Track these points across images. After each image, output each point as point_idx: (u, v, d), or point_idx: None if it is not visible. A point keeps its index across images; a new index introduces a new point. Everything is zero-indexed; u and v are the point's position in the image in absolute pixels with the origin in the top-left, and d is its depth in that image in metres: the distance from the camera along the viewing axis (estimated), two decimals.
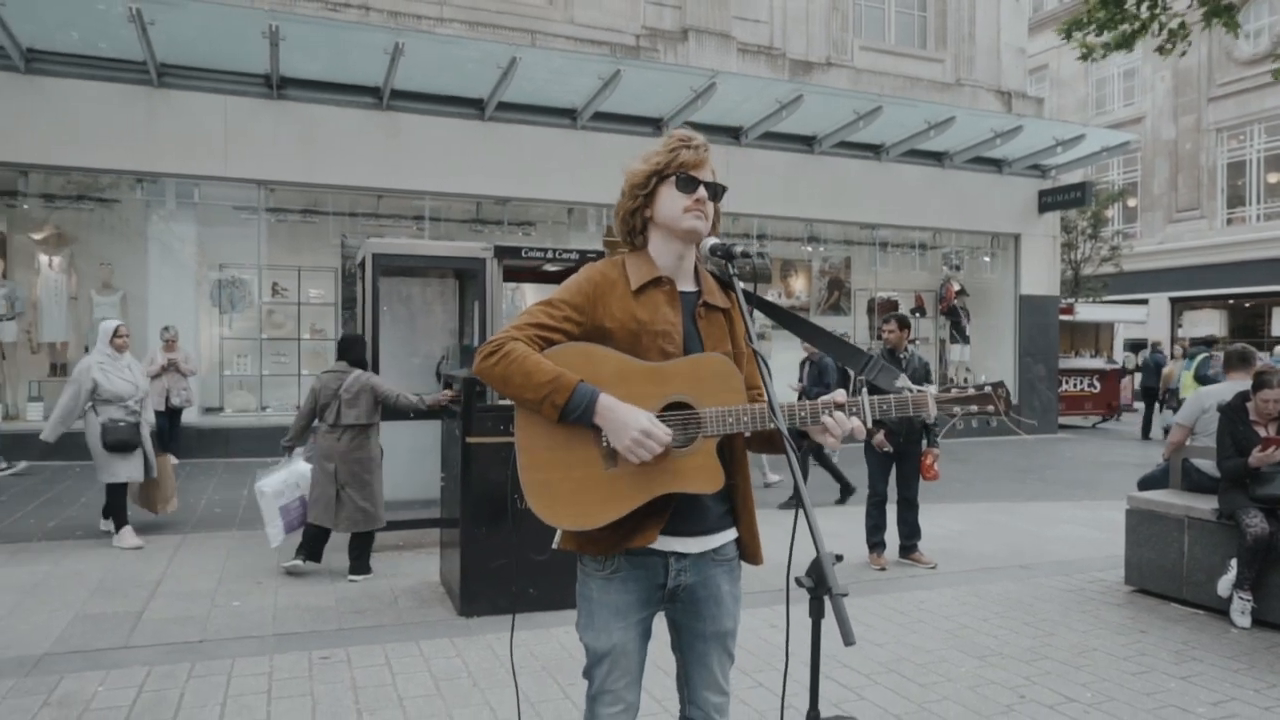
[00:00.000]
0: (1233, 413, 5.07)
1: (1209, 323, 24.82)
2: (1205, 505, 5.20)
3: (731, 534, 2.04)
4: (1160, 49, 6.42)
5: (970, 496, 9.36)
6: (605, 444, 1.84)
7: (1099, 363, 18.48)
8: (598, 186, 12.31)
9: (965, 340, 15.92)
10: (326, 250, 12.33)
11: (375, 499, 5.72)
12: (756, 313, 2.07)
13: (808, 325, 2.11)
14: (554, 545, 1.98)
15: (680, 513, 1.92)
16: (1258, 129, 24.00)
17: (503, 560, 4.86)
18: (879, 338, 6.49)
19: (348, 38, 10.02)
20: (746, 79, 12.13)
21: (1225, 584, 4.91)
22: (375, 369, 6.42)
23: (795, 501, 1.63)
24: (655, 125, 12.65)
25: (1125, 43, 6.42)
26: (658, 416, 1.84)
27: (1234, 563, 4.87)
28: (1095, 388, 17.26)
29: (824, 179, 13.71)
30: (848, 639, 1.42)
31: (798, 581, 1.54)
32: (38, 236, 11.21)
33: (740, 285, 1.95)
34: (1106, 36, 6.37)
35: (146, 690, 3.77)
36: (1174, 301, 25.94)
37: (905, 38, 15.53)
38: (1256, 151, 24.17)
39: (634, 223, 2.03)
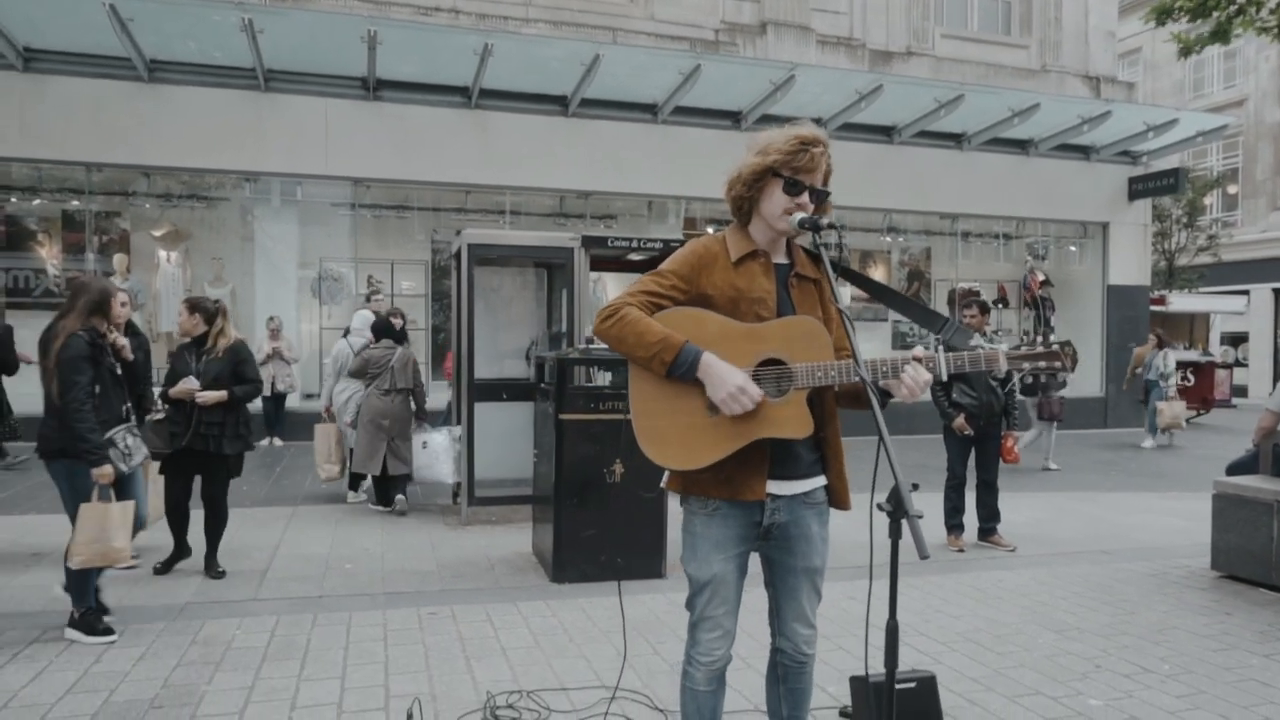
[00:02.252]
0: None
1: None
2: None
3: (821, 481, 2.27)
4: (1271, 31, 6.18)
5: (1051, 486, 9.30)
6: (708, 395, 2.10)
7: (1194, 355, 17.86)
8: (677, 179, 12.58)
9: (1051, 328, 15.60)
10: (417, 244, 12.91)
11: (410, 448, 7.22)
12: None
13: (888, 291, 2.32)
14: (662, 484, 2.25)
15: (776, 459, 2.17)
16: None
17: (592, 531, 5.17)
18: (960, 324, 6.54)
19: (439, 40, 10.50)
20: (825, 70, 12.20)
21: None
22: (471, 355, 6.82)
23: (878, 440, 1.84)
24: (734, 119, 12.82)
25: (1220, 35, 6.22)
26: (754, 370, 2.09)
27: None
28: (1189, 381, 16.70)
29: (904, 169, 13.66)
30: (922, 553, 1.65)
31: (879, 507, 1.77)
32: (157, 234, 12.05)
33: (826, 254, 2.17)
34: (1202, 26, 6.19)
35: (277, 635, 4.19)
36: (1277, 293, 24.76)
37: (988, 24, 15.31)
38: None
39: (742, 205, 2.27)
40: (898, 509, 1.71)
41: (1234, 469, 6.07)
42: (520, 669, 3.78)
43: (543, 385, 5.83)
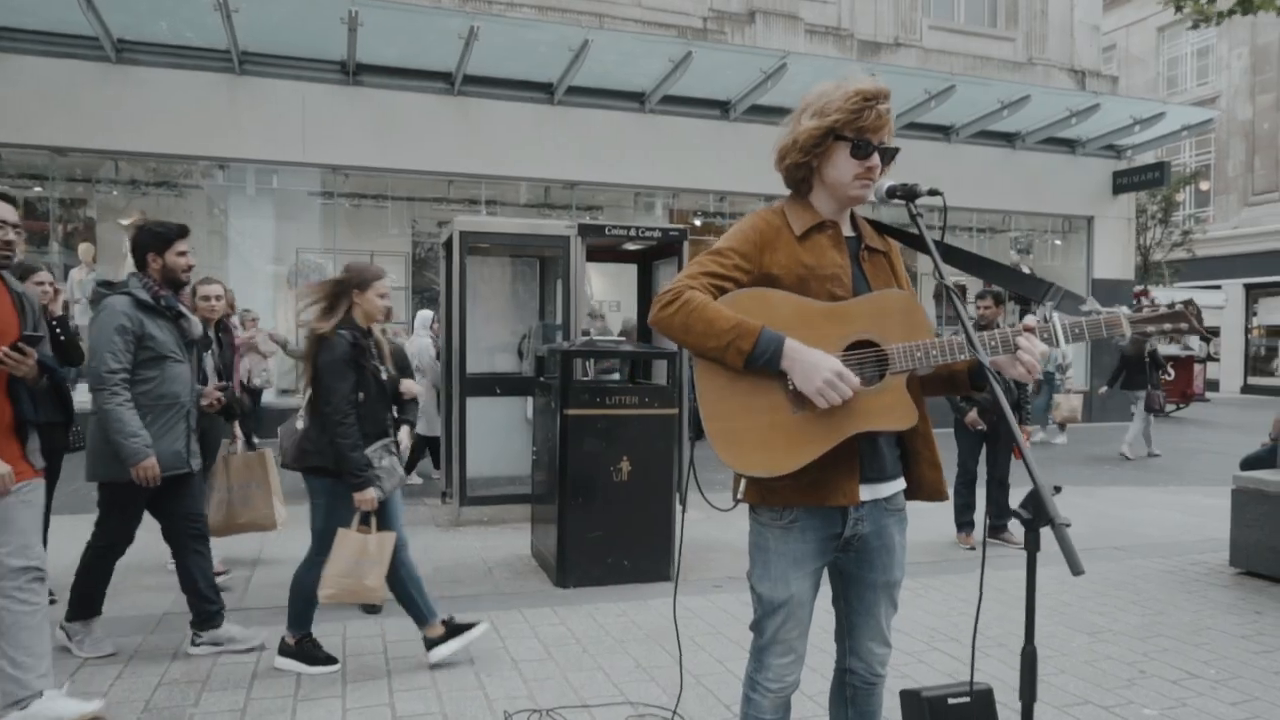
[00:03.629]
0: None
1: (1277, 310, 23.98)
2: None
3: (902, 483, 2.04)
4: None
5: (1050, 481, 9.18)
6: (792, 387, 1.84)
7: (1174, 349, 17.96)
8: (665, 170, 12.33)
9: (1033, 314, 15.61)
10: (397, 235, 12.55)
11: None
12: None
13: (984, 261, 2.08)
14: (738, 497, 1.99)
15: (863, 457, 1.93)
16: None
17: (598, 532, 4.91)
18: (975, 315, 6.38)
19: (423, 22, 10.15)
20: (817, 59, 12.00)
21: None
22: (463, 348, 6.53)
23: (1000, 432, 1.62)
24: (723, 108, 12.60)
25: (1245, 3, 5.99)
26: (842, 355, 1.85)
27: None
28: (1170, 375, 16.77)
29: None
30: (1075, 568, 1.42)
31: (1014, 513, 1.54)
32: (125, 222, 11.57)
33: (923, 224, 1.94)
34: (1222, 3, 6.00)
35: (268, 648, 3.88)
36: (1249, 288, 25.07)
37: (975, 16, 15.21)
38: None
39: (799, 174, 2.01)
40: (1038, 515, 1.47)
41: (1249, 464, 5.96)
42: (535, 684, 3.52)
43: (543, 379, 5.56)
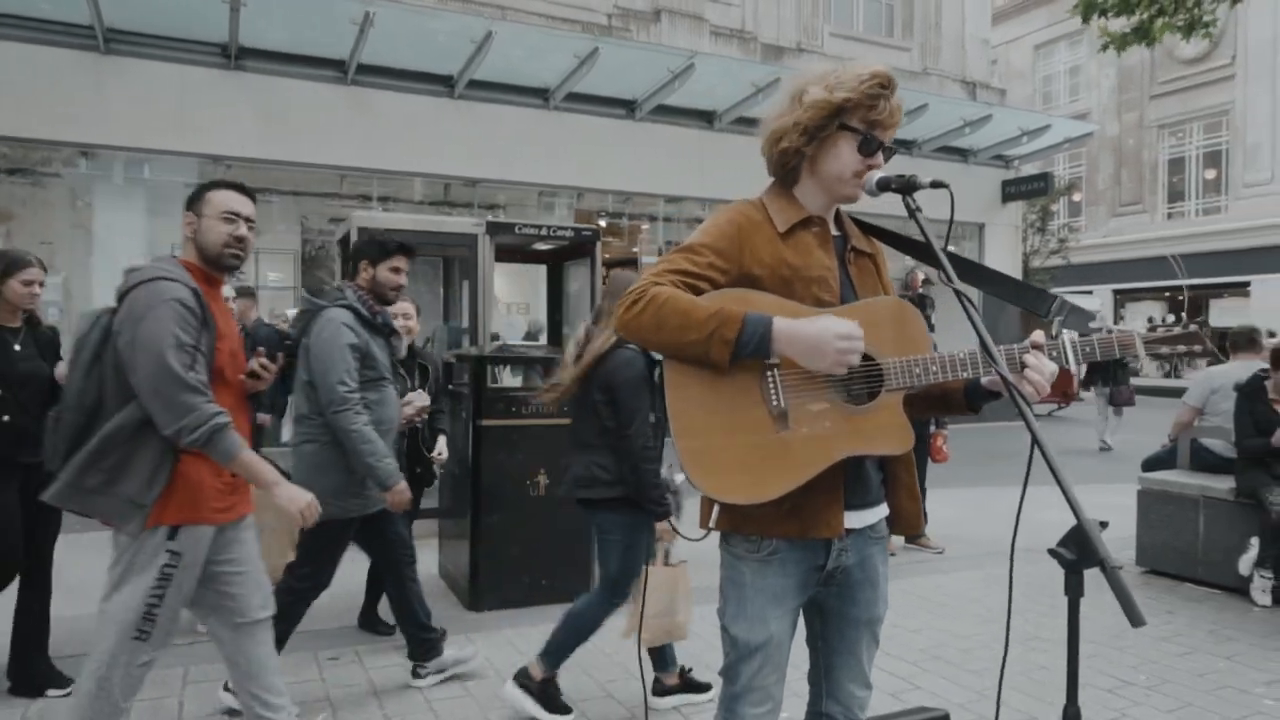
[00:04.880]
0: (1251, 392, 5.05)
1: (1142, 317, 25.59)
2: (1220, 485, 5.18)
3: (885, 509, 1.83)
4: (1181, 29, 6.34)
5: (956, 482, 9.35)
6: (775, 403, 1.61)
7: None
8: (570, 169, 12.03)
9: (931, 329, 16.05)
10: (285, 231, 11.79)
11: None
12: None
13: (979, 269, 1.90)
14: (710, 524, 1.73)
15: (845, 484, 1.71)
16: (1197, 126, 24.76)
17: (515, 550, 4.59)
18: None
19: (313, 5, 9.52)
20: (725, 60, 11.95)
21: (1246, 563, 4.88)
22: None
23: (1030, 456, 1.43)
24: (628, 107, 12.39)
25: (1143, 33, 6.29)
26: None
27: (1255, 541, 4.85)
28: (1138, 371, 17.59)
29: None
30: (1136, 619, 1.23)
31: (1053, 553, 1.33)
32: None
33: (922, 220, 1.74)
34: (1125, 23, 6.24)
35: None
36: (1117, 294, 26.67)
37: (873, 26, 15.54)
38: (1195, 148, 24.93)
39: (790, 160, 1.78)
40: (1084, 555, 1.27)
41: (1150, 465, 6.12)
42: None
43: (452, 387, 5.19)
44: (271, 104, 10.40)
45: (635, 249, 14.11)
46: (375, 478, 3.19)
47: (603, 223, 13.19)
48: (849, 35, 15.08)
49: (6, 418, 3.27)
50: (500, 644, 4.08)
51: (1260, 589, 4.81)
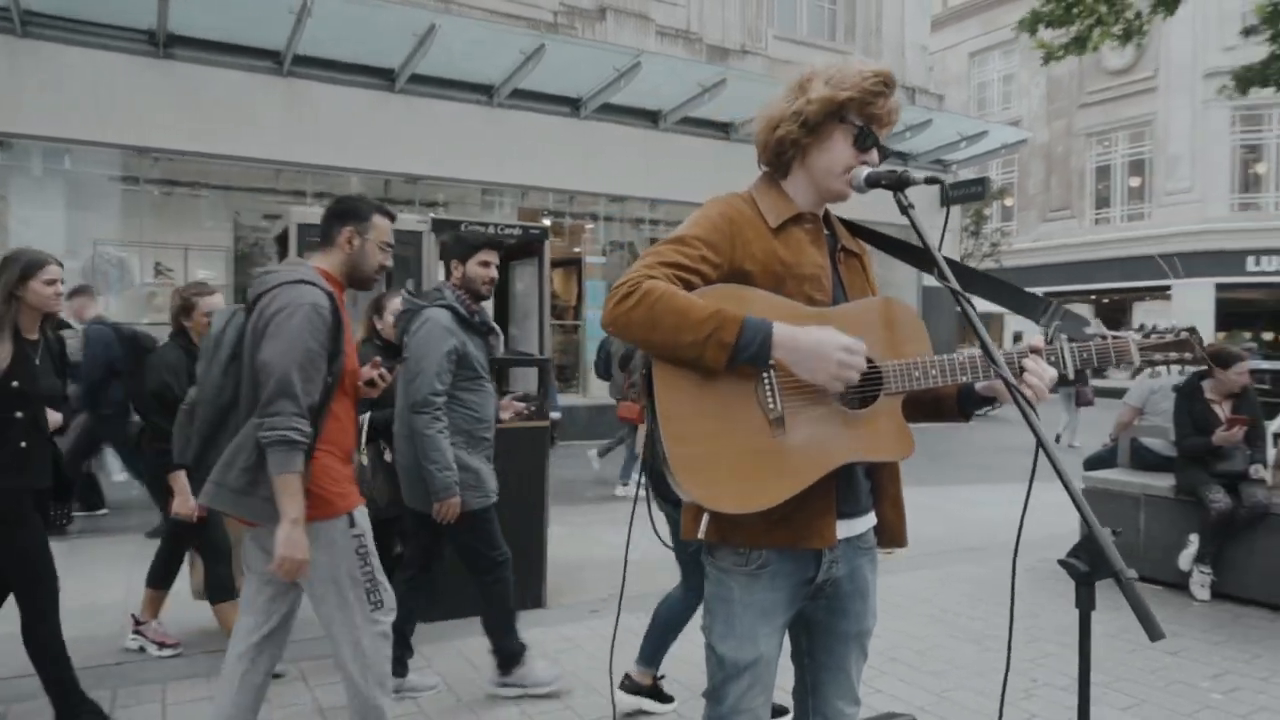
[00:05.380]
0: (1190, 392, 5.18)
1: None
2: (1161, 483, 5.30)
3: (874, 518, 1.77)
4: (1119, 38, 6.56)
5: (902, 481, 9.47)
6: (771, 405, 1.53)
7: None
8: (513, 167, 11.86)
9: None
10: (214, 228, 11.36)
11: None
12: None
13: (971, 273, 1.84)
14: (699, 534, 1.64)
15: (836, 491, 1.64)
16: (1122, 135, 25.66)
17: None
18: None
19: None
20: (671, 60, 11.90)
21: (1186, 558, 5.00)
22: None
23: (1034, 462, 1.37)
24: (573, 105, 12.27)
25: (1080, 43, 6.50)
26: None
27: (1194, 537, 4.97)
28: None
29: (743, 167, 13.58)
30: (1154, 633, 1.17)
31: (1064, 565, 1.27)
32: None
33: (915, 216, 1.68)
34: (1063, 35, 6.44)
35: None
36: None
37: (816, 29, 15.69)
38: (1120, 156, 25.84)
39: (784, 151, 1.71)
40: (1098, 568, 1.22)
41: (1091, 463, 6.25)
42: None
43: None
44: (202, 95, 10.00)
45: (577, 249, 13.98)
46: (432, 484, 3.22)
47: (546, 221, 13.04)
48: (792, 38, 15.19)
49: (24, 444, 2.95)
50: (450, 656, 3.93)
51: (1199, 584, 4.93)
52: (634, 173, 12.73)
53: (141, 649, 3.91)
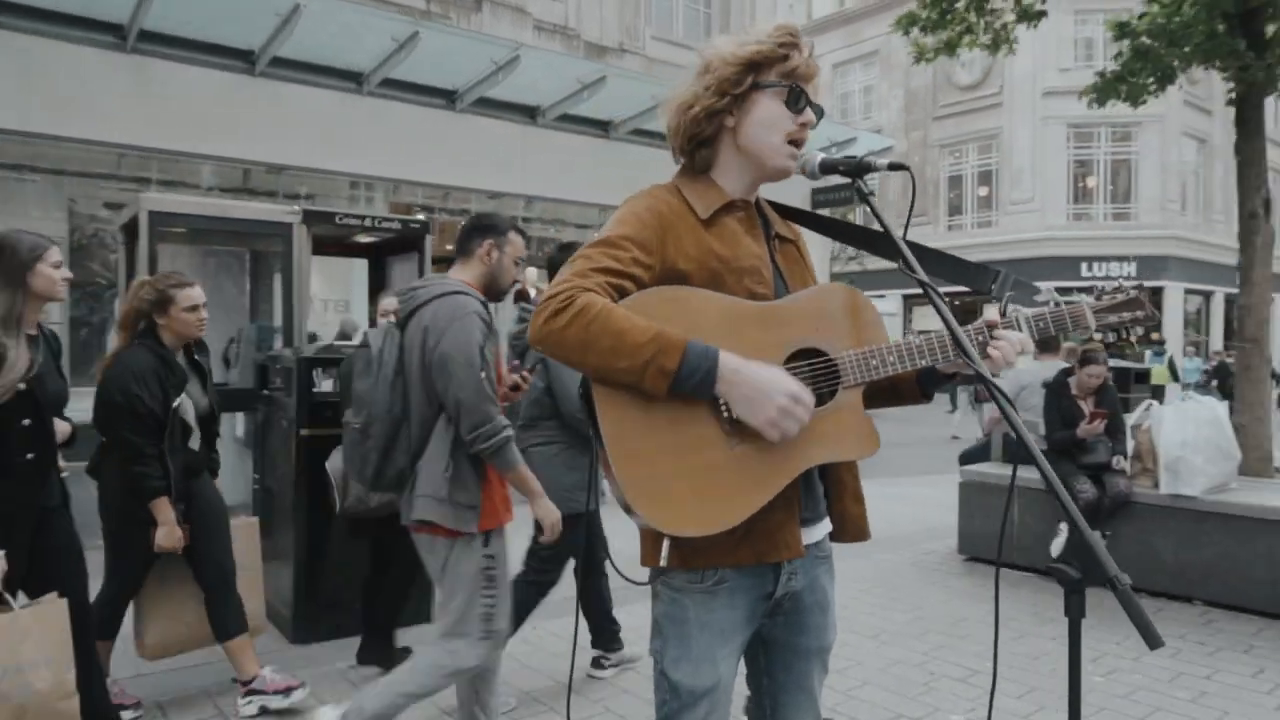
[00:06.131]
0: (1058, 389, 5.46)
1: (934, 318, 27.95)
2: (1033, 475, 5.54)
3: (829, 523, 1.68)
4: (988, 47, 6.87)
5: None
6: (726, 414, 1.41)
7: None
8: (384, 159, 11.33)
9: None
10: (42, 216, 10.27)
11: None
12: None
13: (922, 250, 1.76)
14: (661, 562, 1.49)
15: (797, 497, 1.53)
16: (972, 147, 27.28)
17: (342, 574, 4.12)
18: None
19: None
20: (551, 54, 11.70)
21: (1056, 546, 5.26)
22: None
23: (1012, 466, 1.30)
24: (448, 98, 11.84)
25: (950, 47, 6.80)
26: (784, 369, 1.44)
27: (1064, 526, 5.23)
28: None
29: (620, 165, 13.54)
30: (1153, 641, 1.12)
31: (1050, 571, 1.20)
32: None
33: (875, 204, 1.60)
34: (934, 39, 6.72)
35: None
36: (906, 298, 28.89)
37: (692, 31, 15.82)
38: (971, 167, 27.47)
39: (702, 133, 1.57)
40: (1090, 572, 1.15)
41: (966, 458, 6.52)
42: None
43: (268, 392, 4.62)
44: (32, 68, 8.99)
45: (450, 246, 13.54)
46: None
47: (421, 217, 12.55)
48: (669, 39, 15.26)
49: (31, 455, 2.59)
50: (333, 678, 3.64)
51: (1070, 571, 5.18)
52: (511, 169, 12.42)
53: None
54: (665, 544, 1.47)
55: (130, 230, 5.61)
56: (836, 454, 1.51)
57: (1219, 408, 5.19)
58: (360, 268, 7.01)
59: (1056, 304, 1.60)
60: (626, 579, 1.62)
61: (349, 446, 2.57)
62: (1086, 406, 5.34)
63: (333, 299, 9.52)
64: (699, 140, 1.59)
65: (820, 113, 1.59)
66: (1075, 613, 1.19)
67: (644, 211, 1.52)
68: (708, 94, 1.54)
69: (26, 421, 2.57)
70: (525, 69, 10.96)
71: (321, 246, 6.19)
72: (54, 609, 2.50)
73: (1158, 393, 13.35)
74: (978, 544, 5.81)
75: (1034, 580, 5.30)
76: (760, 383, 1.36)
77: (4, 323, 2.51)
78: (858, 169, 1.56)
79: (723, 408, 1.41)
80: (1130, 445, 5.28)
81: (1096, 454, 5.24)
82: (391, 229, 6.16)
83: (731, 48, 1.53)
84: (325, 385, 4.20)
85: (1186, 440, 4.95)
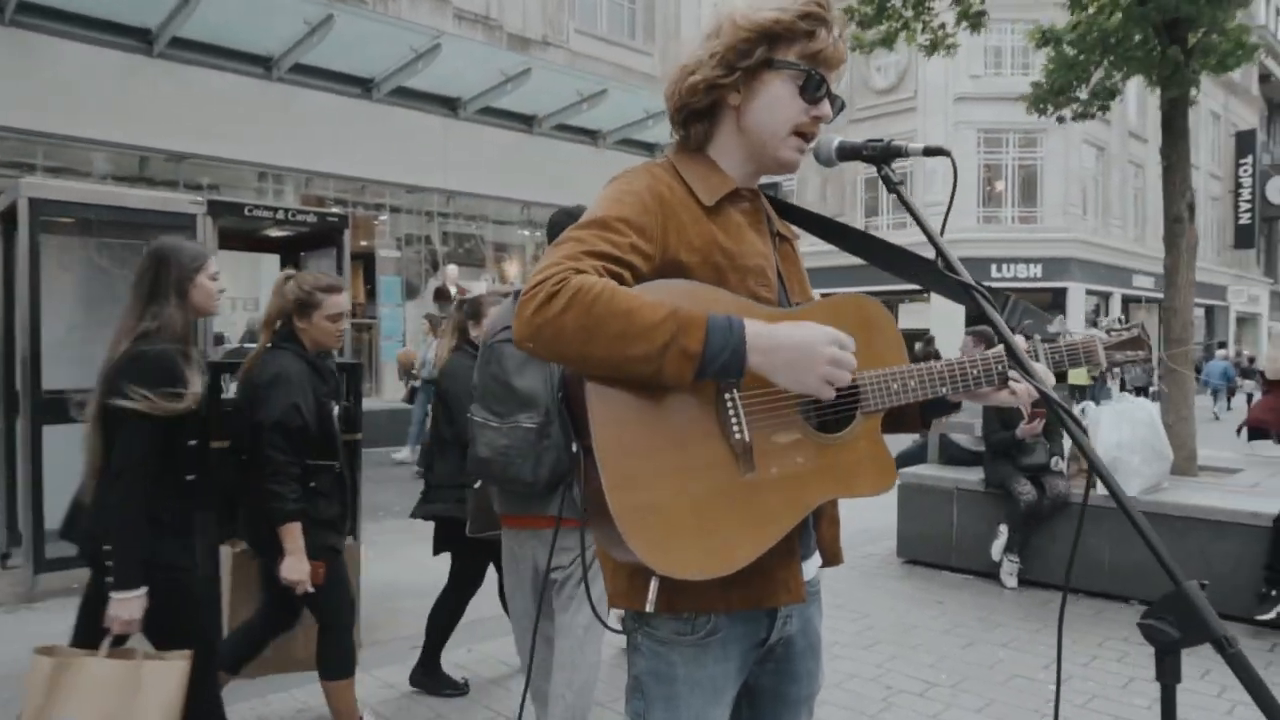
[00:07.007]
0: None
1: (918, 316, 28.54)
2: (971, 476, 5.54)
3: (820, 557, 1.48)
4: (925, 48, 6.86)
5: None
6: (737, 434, 1.19)
7: None
8: (296, 149, 10.79)
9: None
10: None
11: None
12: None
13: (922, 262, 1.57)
14: (648, 606, 1.25)
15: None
16: None
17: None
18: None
19: None
20: (473, 44, 11.32)
21: (997, 548, 5.23)
22: (36, 358, 4.79)
23: (1086, 488, 1.13)
24: (365, 86, 11.34)
25: (887, 42, 6.76)
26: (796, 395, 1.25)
27: (1003, 528, 5.21)
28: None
29: (544, 161, 13.24)
30: (1273, 715, 0.93)
31: (1145, 630, 0.99)
32: None
33: (907, 194, 1.40)
34: (873, 34, 6.67)
35: None
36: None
37: (616, 27, 15.60)
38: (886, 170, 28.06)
39: (701, 104, 1.35)
40: (1191, 631, 0.96)
41: (902, 460, 6.48)
42: None
43: None
44: None
45: (365, 242, 12.99)
46: None
47: (337, 210, 11.97)
48: (593, 34, 15.01)
49: (191, 477, 2.47)
50: (244, 714, 3.28)
51: (1008, 572, 5.17)
52: (431, 162, 11.99)
53: None
54: (654, 585, 1.24)
55: (8, 219, 5.06)
56: (849, 490, 1.32)
57: (1153, 409, 5.25)
58: (270, 263, 6.54)
59: (1068, 333, 1.49)
60: (609, 628, 1.39)
61: (525, 446, 2.37)
62: (1024, 407, 5.32)
63: (240, 297, 8.94)
64: (692, 111, 1.37)
65: (841, 106, 1.39)
66: (1170, 677, 0.99)
67: (644, 191, 1.29)
68: (712, 62, 1.31)
69: (193, 443, 2.44)
70: (446, 58, 10.58)
71: (228, 240, 5.74)
72: (175, 668, 2.24)
73: (1076, 392, 13.81)
74: (917, 546, 5.76)
75: (973, 583, 5.27)
76: (799, 342, 1.17)
77: (182, 339, 2.37)
78: (884, 154, 1.37)
79: (734, 426, 1.19)
80: (1068, 446, 5.30)
81: (1035, 455, 5.23)
82: (306, 222, 5.75)
83: (747, 10, 1.31)
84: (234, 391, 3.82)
85: (1123, 441, 4.99)
